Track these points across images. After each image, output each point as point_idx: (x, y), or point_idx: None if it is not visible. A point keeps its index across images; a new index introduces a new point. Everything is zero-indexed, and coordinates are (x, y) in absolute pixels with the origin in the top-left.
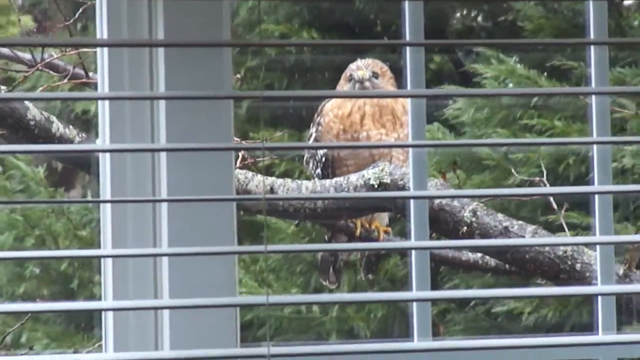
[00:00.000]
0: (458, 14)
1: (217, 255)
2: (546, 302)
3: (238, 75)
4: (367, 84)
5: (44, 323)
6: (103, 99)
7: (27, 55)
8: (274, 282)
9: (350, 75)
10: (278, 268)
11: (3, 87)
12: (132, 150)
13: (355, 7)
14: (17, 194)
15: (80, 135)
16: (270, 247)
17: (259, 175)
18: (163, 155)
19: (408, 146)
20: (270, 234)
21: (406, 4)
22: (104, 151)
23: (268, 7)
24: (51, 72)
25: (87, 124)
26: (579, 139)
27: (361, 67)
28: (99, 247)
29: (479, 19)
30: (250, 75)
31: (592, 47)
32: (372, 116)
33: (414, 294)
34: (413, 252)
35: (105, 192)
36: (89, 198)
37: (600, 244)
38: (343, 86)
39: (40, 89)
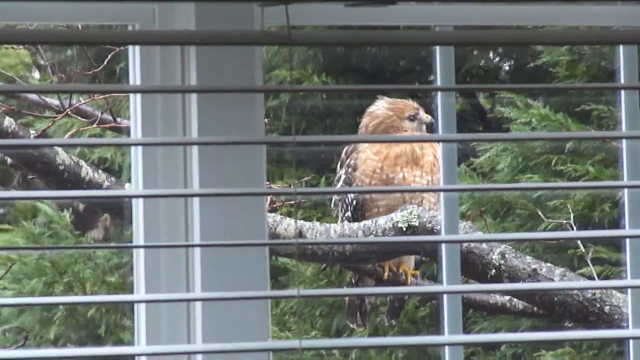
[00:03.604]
0: (482, 60)
1: (250, 299)
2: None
3: (266, 120)
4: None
5: None
6: (136, 144)
7: (55, 101)
8: (294, 326)
9: (414, 115)
10: (299, 311)
11: (33, 132)
12: (165, 195)
13: (369, 51)
14: (45, 239)
15: (109, 180)
16: (303, 291)
17: (288, 219)
18: (196, 200)
19: (440, 190)
20: (289, 278)
21: (437, 48)
22: (138, 197)
23: (285, 52)
24: (79, 117)
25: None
26: (611, 182)
27: (420, 109)
28: (126, 291)
29: (506, 66)
30: (272, 116)
31: (622, 91)
32: (411, 157)
33: (446, 338)
34: (445, 296)
35: (139, 238)
36: (113, 241)
37: (633, 287)
38: (397, 122)
39: (69, 133)
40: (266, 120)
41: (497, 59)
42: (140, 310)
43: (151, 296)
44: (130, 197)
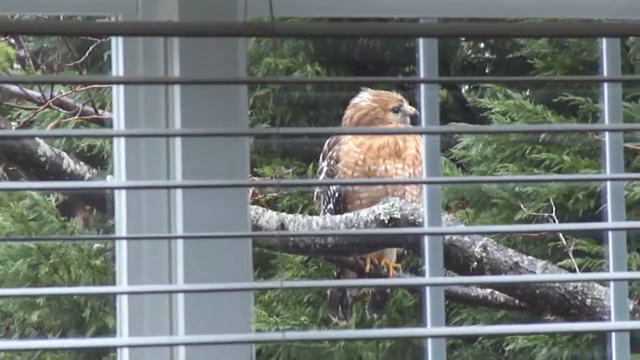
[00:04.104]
0: (465, 48)
1: (234, 291)
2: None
3: (250, 112)
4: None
5: (53, 351)
6: (119, 136)
7: (36, 93)
8: (282, 311)
9: (398, 107)
10: (286, 298)
11: (14, 124)
12: (147, 187)
13: (360, 41)
14: (31, 222)
15: (90, 172)
16: (286, 283)
17: (270, 211)
18: (179, 191)
19: (422, 182)
20: (278, 263)
21: (420, 40)
22: (120, 188)
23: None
24: (60, 109)
25: (93, 159)
26: (594, 175)
27: (404, 101)
28: (111, 276)
29: (486, 54)
30: (259, 105)
31: (605, 84)
32: (394, 149)
33: (429, 330)
34: (427, 288)
35: (121, 229)
36: (95, 229)
37: (615, 280)
38: (382, 114)
39: (50, 125)
40: (250, 112)
41: (479, 51)
42: (123, 302)
43: (133, 287)
44: (113, 188)
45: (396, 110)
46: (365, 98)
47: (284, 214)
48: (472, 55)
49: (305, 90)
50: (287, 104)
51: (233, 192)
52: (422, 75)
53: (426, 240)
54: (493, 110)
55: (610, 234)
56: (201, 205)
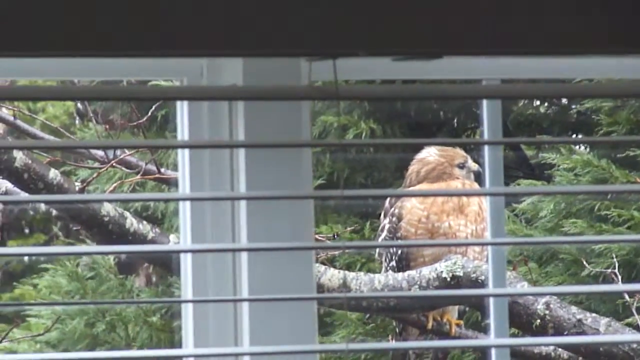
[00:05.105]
0: (526, 108)
1: (299, 354)
2: None
3: None
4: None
5: None
6: (185, 199)
7: (99, 152)
8: None
9: (463, 163)
10: (344, 357)
11: (77, 184)
12: (213, 250)
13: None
14: (89, 281)
15: (153, 231)
16: (352, 346)
17: (331, 269)
18: (244, 254)
19: (487, 244)
20: (334, 320)
21: (484, 102)
22: (187, 251)
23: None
24: (123, 167)
25: (148, 218)
26: None
27: (468, 157)
28: (170, 333)
29: (543, 109)
30: (314, 162)
31: None
32: (458, 204)
33: None
34: (493, 349)
35: (187, 291)
36: (157, 288)
37: None
38: (449, 169)
39: (113, 186)
40: None
41: (540, 104)
42: None
43: (199, 351)
44: (179, 252)
45: (461, 166)
46: (432, 153)
47: (345, 272)
48: (531, 112)
49: (362, 151)
50: (343, 160)
51: (298, 254)
52: (486, 136)
53: (491, 301)
54: (560, 167)
55: None
56: (266, 268)
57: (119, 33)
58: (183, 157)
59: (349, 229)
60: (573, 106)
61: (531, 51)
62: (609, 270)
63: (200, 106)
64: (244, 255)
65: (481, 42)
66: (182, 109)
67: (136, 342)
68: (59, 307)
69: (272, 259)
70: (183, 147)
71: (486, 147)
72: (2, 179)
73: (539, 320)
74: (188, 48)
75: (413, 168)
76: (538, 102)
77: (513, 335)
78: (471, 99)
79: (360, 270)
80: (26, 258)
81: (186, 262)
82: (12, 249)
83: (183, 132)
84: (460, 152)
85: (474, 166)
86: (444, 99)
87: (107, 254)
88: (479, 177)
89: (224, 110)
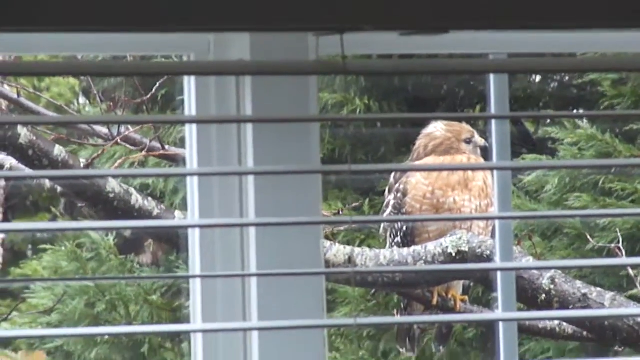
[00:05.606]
0: (526, 81)
1: (308, 329)
2: None
3: None
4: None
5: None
6: (192, 175)
7: (103, 129)
8: (341, 346)
9: (470, 138)
10: (347, 332)
11: (82, 160)
12: (221, 225)
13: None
14: (89, 262)
15: (159, 207)
16: (360, 320)
17: (337, 245)
18: (252, 230)
19: (494, 218)
20: (337, 298)
21: (491, 76)
22: (195, 227)
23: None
24: (127, 144)
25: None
26: None
27: (475, 132)
28: (171, 312)
29: (546, 82)
30: None
31: None
32: (463, 179)
33: None
34: (501, 323)
35: (195, 267)
36: (161, 266)
37: None
38: (456, 144)
39: (119, 162)
40: None
41: (541, 79)
42: (197, 339)
43: (208, 326)
44: (187, 227)
45: (468, 141)
46: (439, 128)
47: (351, 247)
48: (531, 86)
49: (360, 126)
50: (344, 136)
51: (306, 229)
52: (493, 110)
53: (499, 275)
54: (564, 142)
55: None
56: (274, 243)
57: (126, 8)
58: (190, 132)
59: (349, 206)
60: (574, 82)
61: (537, 25)
62: (613, 245)
63: (208, 81)
64: (252, 231)
65: (487, 17)
66: (190, 84)
67: (137, 321)
68: (59, 287)
69: (280, 234)
70: (190, 122)
71: (493, 122)
72: (7, 155)
73: (544, 295)
74: (195, 23)
75: (420, 142)
76: (538, 78)
77: (518, 310)
78: (478, 74)
79: (359, 246)
80: (29, 237)
81: (194, 238)
82: (18, 224)
83: (190, 107)
84: (467, 127)
85: (481, 141)
86: (451, 74)
87: (115, 229)
88: (485, 153)
89: (231, 86)
